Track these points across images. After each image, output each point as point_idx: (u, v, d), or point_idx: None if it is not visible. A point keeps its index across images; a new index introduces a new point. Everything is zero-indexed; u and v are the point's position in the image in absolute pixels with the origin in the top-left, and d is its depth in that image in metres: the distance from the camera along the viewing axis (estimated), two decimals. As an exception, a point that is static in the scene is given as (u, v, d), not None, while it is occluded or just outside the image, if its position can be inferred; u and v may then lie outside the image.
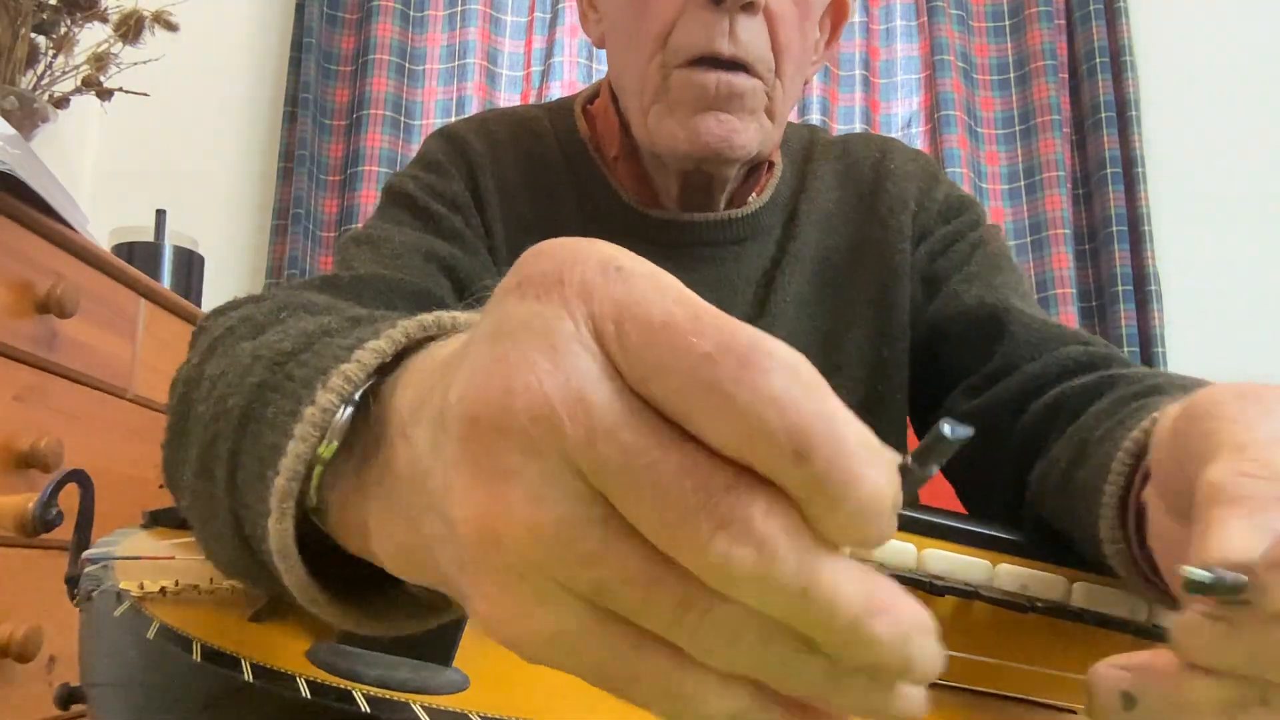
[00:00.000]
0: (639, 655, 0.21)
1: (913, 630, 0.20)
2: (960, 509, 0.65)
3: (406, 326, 0.29)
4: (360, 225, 0.81)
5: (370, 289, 0.60)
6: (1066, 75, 2.06)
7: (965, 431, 0.21)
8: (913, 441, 0.75)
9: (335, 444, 0.28)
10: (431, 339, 0.29)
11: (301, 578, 0.29)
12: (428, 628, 0.31)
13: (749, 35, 0.62)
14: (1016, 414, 0.60)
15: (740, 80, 0.63)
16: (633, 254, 0.22)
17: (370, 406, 0.28)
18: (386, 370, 0.28)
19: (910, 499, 0.21)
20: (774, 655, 0.20)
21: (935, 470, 0.22)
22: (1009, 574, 0.43)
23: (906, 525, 0.44)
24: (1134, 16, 2.04)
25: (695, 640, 0.20)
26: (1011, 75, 2.07)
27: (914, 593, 0.42)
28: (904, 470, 0.21)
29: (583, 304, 0.21)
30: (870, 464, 0.19)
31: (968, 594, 0.42)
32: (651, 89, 0.66)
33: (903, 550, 0.43)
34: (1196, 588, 0.23)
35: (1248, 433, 0.30)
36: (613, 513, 0.20)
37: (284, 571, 0.29)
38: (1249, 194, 1.96)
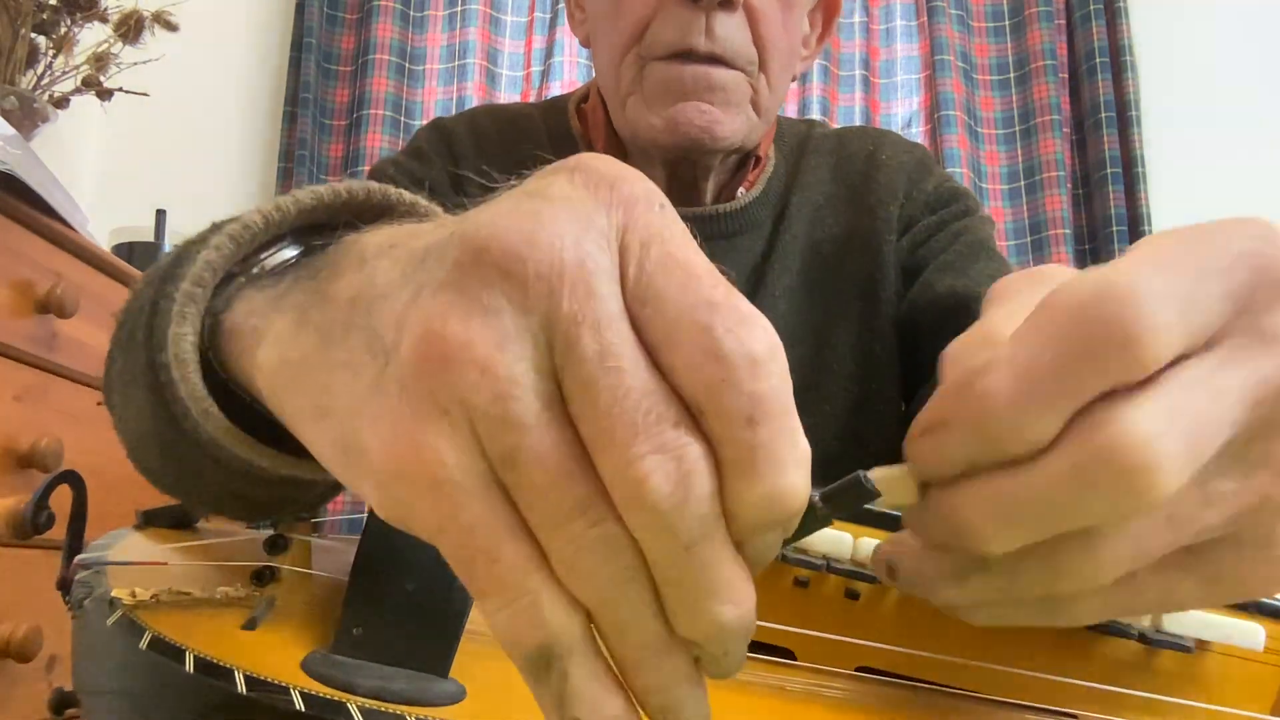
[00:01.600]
0: (509, 539, 0.21)
1: (745, 629, 0.22)
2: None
3: (352, 185, 0.32)
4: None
5: None
6: (1066, 75, 2.05)
7: (874, 491, 0.24)
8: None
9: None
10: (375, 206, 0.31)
11: (196, 386, 0.30)
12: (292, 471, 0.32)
13: (727, 31, 0.62)
14: None
15: (718, 72, 0.63)
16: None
17: (326, 251, 0.28)
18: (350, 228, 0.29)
19: (800, 535, 0.23)
20: (626, 597, 0.21)
21: (836, 517, 0.24)
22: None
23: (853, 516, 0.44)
24: (1134, 16, 2.03)
25: (569, 548, 0.21)
26: (1011, 75, 2.07)
27: (915, 598, 0.42)
28: (809, 504, 0.22)
29: (623, 214, 0.22)
30: (800, 464, 0.21)
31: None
32: (627, 80, 0.65)
33: (839, 540, 0.43)
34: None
35: (998, 308, 0.29)
36: (558, 399, 0.21)
37: (179, 380, 0.30)
38: (1249, 195, 1.96)
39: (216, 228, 0.37)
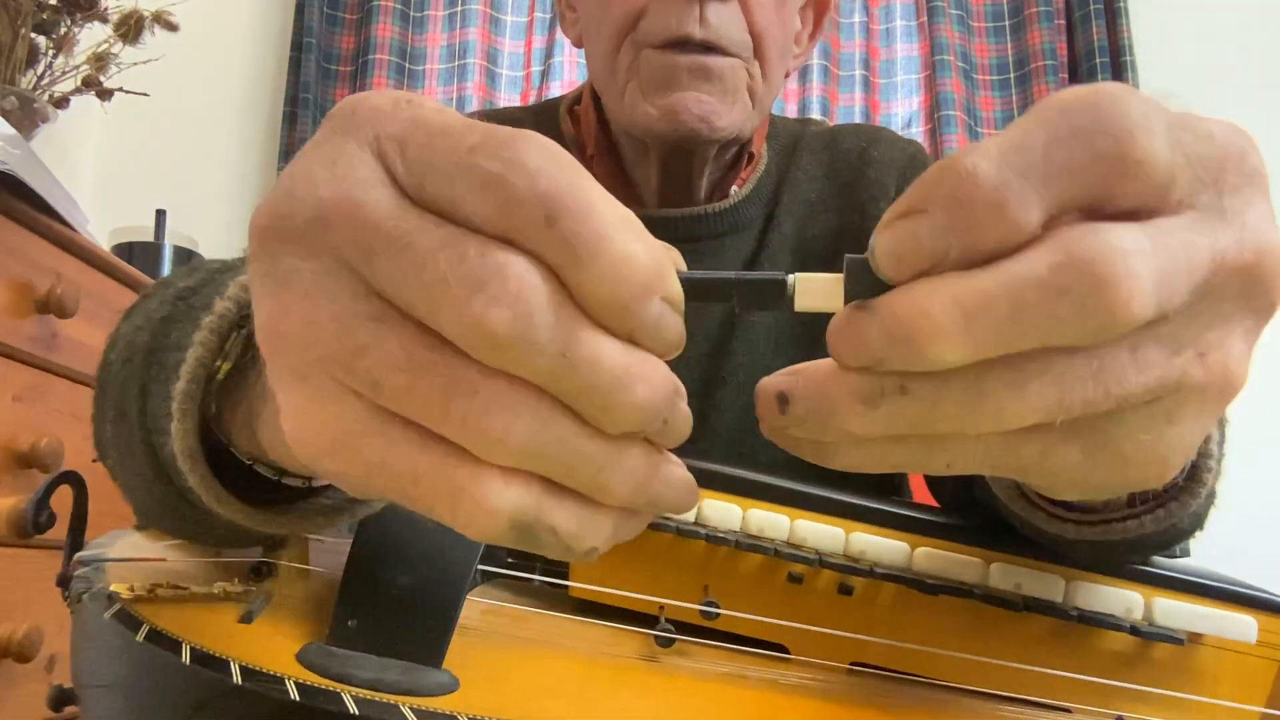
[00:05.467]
0: (419, 452, 0.22)
1: (669, 394, 0.22)
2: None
3: None
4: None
5: None
6: (1066, 75, 2.05)
7: (789, 289, 0.24)
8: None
9: (240, 339, 0.32)
10: None
11: (205, 475, 0.33)
12: (319, 526, 0.35)
13: (721, 19, 0.62)
14: None
15: (714, 60, 0.62)
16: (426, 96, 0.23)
17: None
18: None
19: (703, 299, 0.23)
20: (549, 439, 0.21)
21: (742, 306, 0.24)
22: (1001, 571, 0.43)
23: (837, 511, 0.44)
24: (1134, 16, 2.03)
25: (471, 429, 0.21)
26: (1011, 75, 2.07)
27: (909, 593, 0.42)
28: (719, 281, 0.23)
29: (370, 128, 0.22)
30: (621, 229, 0.21)
31: (963, 593, 0.42)
32: (624, 68, 0.65)
33: (832, 535, 0.43)
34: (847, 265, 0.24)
35: None
36: (387, 309, 0.21)
37: (188, 472, 0.33)
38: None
39: (199, 282, 0.38)
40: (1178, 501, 0.36)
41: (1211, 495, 0.40)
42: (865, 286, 0.23)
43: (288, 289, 0.22)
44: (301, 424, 0.23)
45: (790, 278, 0.24)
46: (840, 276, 0.23)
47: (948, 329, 0.22)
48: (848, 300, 0.23)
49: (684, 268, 0.23)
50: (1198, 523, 0.41)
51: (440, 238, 0.21)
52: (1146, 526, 0.37)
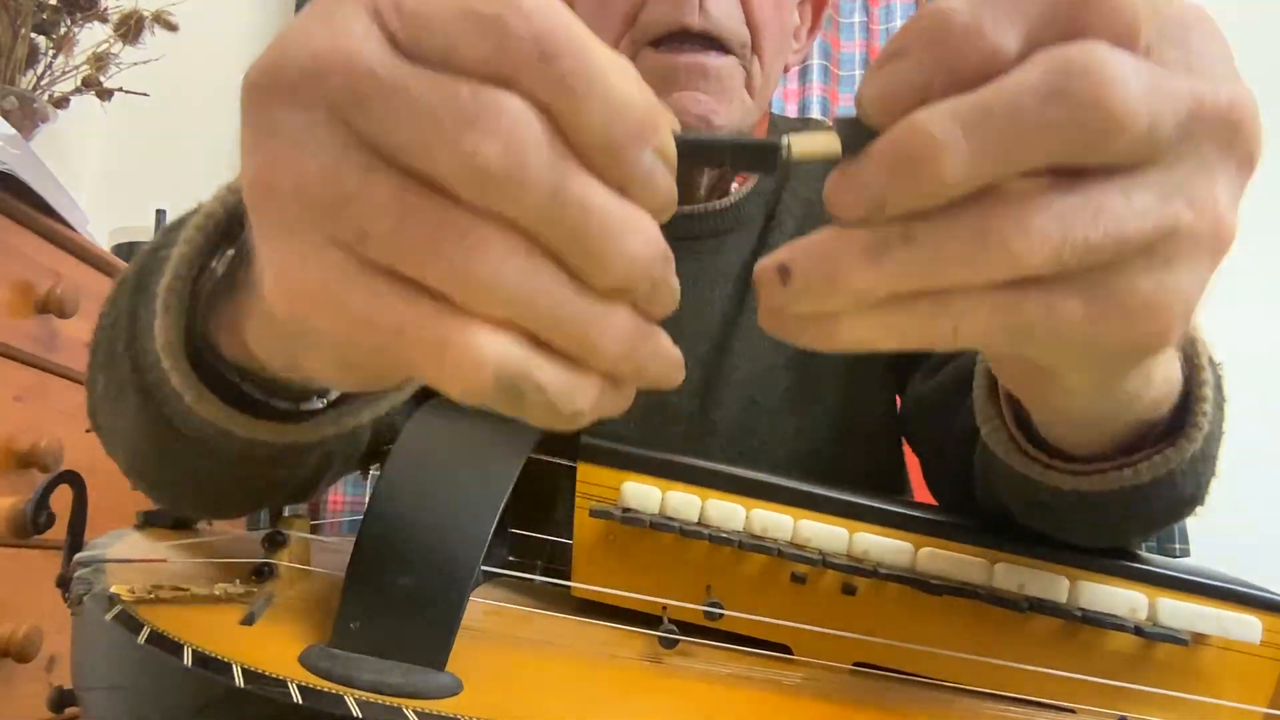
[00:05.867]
0: (405, 304, 0.22)
1: (660, 253, 0.22)
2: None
3: None
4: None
5: None
6: (1067, 73, 2.05)
7: (786, 148, 0.23)
8: (907, 450, 0.75)
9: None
10: None
11: (186, 371, 0.33)
12: (300, 435, 0.35)
13: (720, 10, 0.62)
14: (967, 390, 0.59)
15: (711, 60, 0.63)
16: None
17: None
18: None
19: (693, 162, 0.23)
20: (537, 288, 0.22)
21: (736, 164, 0.24)
22: (1005, 571, 0.43)
23: (841, 510, 0.44)
24: (1135, 14, 2.03)
25: (458, 272, 0.21)
26: (1012, 73, 2.07)
27: (913, 593, 0.42)
28: (710, 139, 0.23)
29: None
30: (617, 72, 0.21)
31: (967, 593, 0.42)
32: None
33: (836, 535, 0.43)
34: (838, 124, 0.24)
35: None
36: (376, 159, 0.21)
37: (170, 369, 0.33)
38: (1248, 197, 1.95)
39: (174, 227, 0.39)
40: (1174, 447, 0.36)
41: (1210, 459, 0.40)
42: (859, 142, 0.23)
43: (278, 140, 0.22)
44: (286, 280, 0.23)
45: (786, 139, 0.24)
46: (833, 134, 0.24)
47: (948, 142, 0.22)
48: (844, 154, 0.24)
49: (679, 130, 0.23)
50: (1197, 487, 0.41)
51: (434, 81, 0.21)
52: (1143, 474, 0.37)
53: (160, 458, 0.40)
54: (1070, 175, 0.23)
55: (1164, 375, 0.34)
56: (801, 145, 0.24)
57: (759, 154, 0.24)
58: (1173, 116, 0.23)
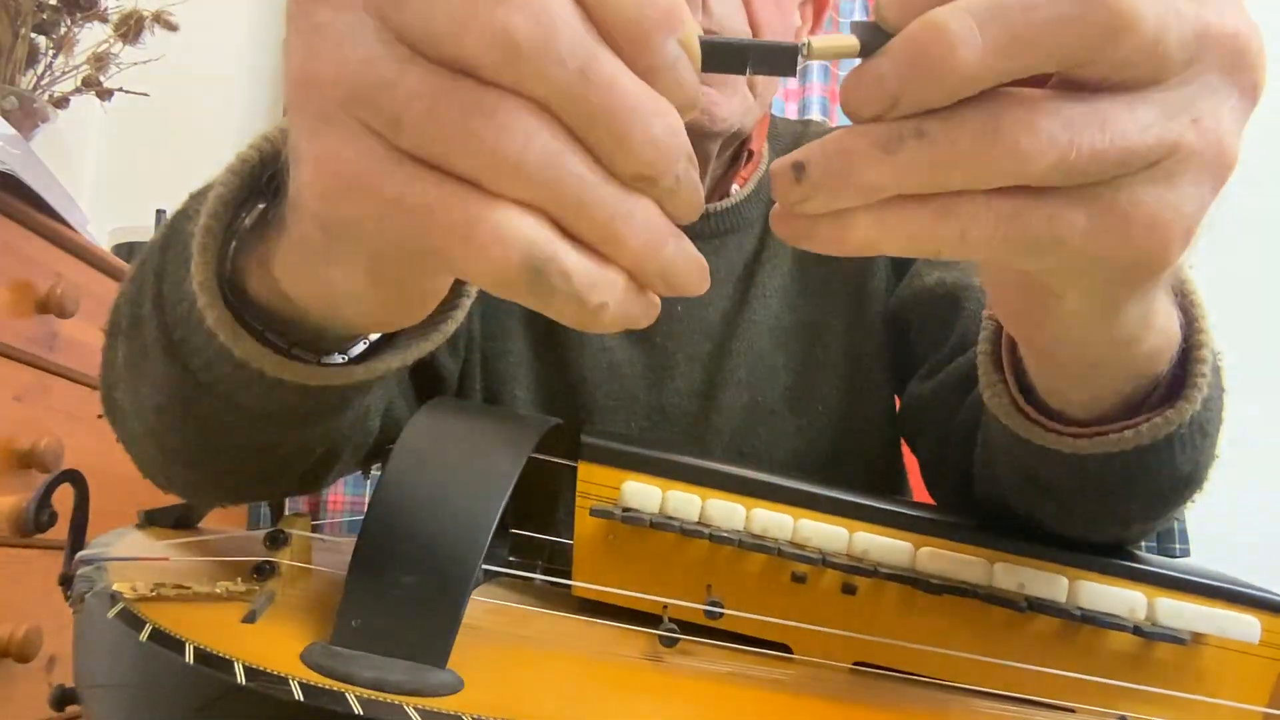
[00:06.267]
0: (434, 186, 0.23)
1: (682, 144, 0.23)
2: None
3: None
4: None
5: None
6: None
7: (806, 45, 0.24)
8: (906, 451, 0.75)
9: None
10: None
11: (222, 310, 0.34)
12: (328, 378, 0.36)
13: (723, 9, 0.62)
14: (966, 391, 0.59)
15: None
16: None
17: None
18: None
19: (714, 67, 0.24)
20: (564, 170, 0.22)
21: (756, 67, 0.24)
22: (1005, 570, 0.43)
23: (841, 510, 0.44)
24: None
25: (487, 148, 0.22)
26: (1012, 75, 2.07)
27: (913, 593, 0.42)
28: (731, 43, 0.24)
29: None
30: None
31: (967, 593, 0.42)
32: None
33: (836, 534, 0.44)
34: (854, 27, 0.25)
35: None
36: (413, 54, 0.22)
37: (205, 307, 0.34)
38: (1248, 195, 1.95)
39: (204, 191, 0.40)
40: (1174, 409, 0.37)
41: (1209, 437, 0.40)
42: (876, 45, 0.24)
43: (320, 36, 0.23)
44: (324, 167, 0.24)
45: (804, 42, 0.24)
46: (854, 40, 0.24)
47: (963, 36, 0.22)
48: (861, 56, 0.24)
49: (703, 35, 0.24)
50: (1195, 465, 0.41)
51: None
52: (1144, 435, 0.37)
53: (184, 420, 0.40)
54: (1080, 88, 0.24)
55: (1161, 324, 0.34)
56: (822, 43, 0.24)
57: (779, 55, 0.24)
58: (1179, 34, 0.23)
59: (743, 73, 0.24)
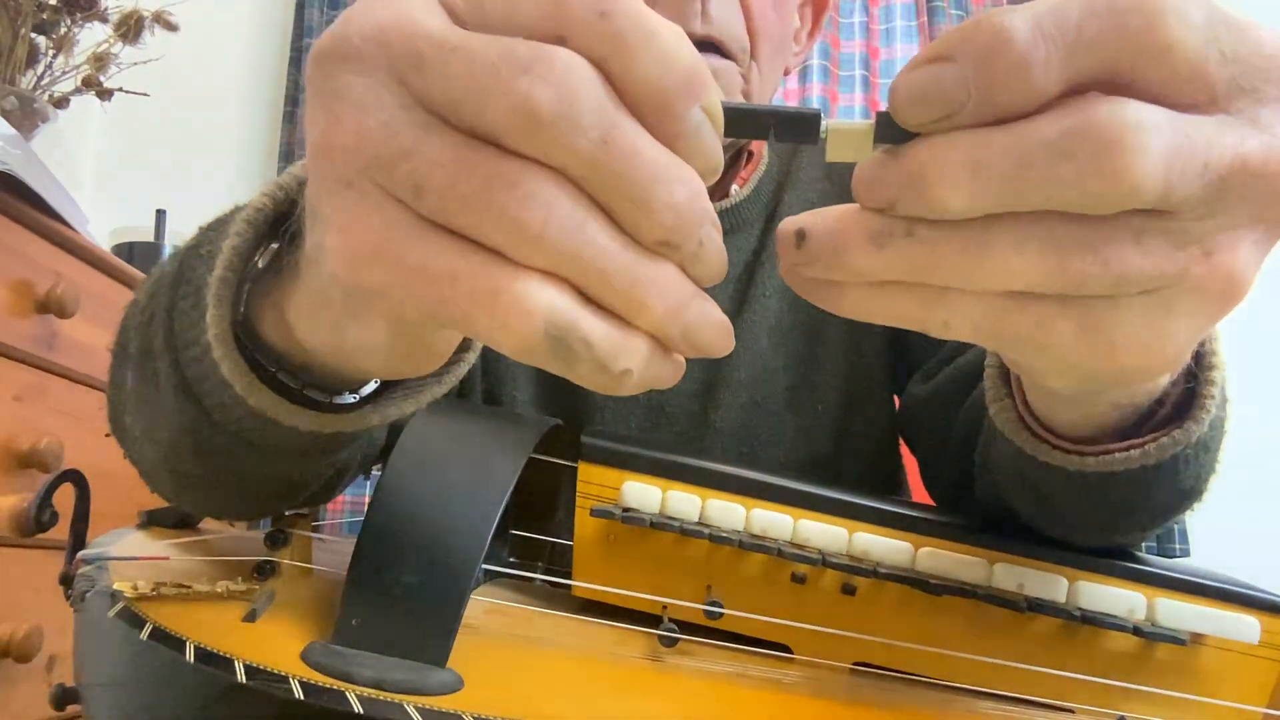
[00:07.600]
0: (458, 255, 0.23)
1: (706, 210, 0.23)
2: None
3: None
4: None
5: None
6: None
7: (821, 132, 0.25)
8: (905, 451, 0.75)
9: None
10: None
11: (237, 360, 0.34)
12: (341, 424, 0.36)
13: (722, 14, 0.62)
14: (965, 392, 0.59)
15: (711, 63, 0.63)
16: None
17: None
18: None
19: (737, 133, 0.24)
20: (586, 239, 0.22)
21: (778, 136, 0.25)
22: (1005, 571, 0.43)
23: (841, 510, 0.44)
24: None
25: (509, 220, 0.22)
26: (1012, 75, 2.07)
27: (913, 593, 0.42)
28: (753, 109, 0.24)
29: None
30: (670, 30, 0.22)
31: (967, 593, 0.42)
32: None
33: (835, 535, 0.44)
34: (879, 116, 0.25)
35: None
36: (433, 119, 0.22)
37: (221, 359, 0.34)
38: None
39: (213, 227, 0.39)
40: (1181, 429, 0.36)
41: (1212, 451, 0.40)
42: (892, 138, 0.24)
43: (341, 102, 0.23)
44: (347, 235, 0.24)
45: (825, 122, 0.25)
46: (870, 125, 0.24)
47: (954, 176, 0.23)
48: (876, 145, 0.24)
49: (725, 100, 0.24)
50: (1197, 479, 0.41)
51: (490, 39, 0.22)
52: (1150, 456, 0.37)
53: (195, 453, 0.40)
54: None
55: (1152, 386, 0.34)
56: (837, 137, 0.25)
57: (801, 122, 0.25)
58: (1200, 178, 0.22)
59: (765, 139, 0.25)
